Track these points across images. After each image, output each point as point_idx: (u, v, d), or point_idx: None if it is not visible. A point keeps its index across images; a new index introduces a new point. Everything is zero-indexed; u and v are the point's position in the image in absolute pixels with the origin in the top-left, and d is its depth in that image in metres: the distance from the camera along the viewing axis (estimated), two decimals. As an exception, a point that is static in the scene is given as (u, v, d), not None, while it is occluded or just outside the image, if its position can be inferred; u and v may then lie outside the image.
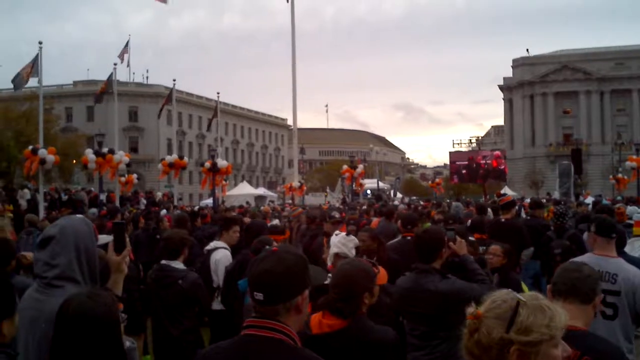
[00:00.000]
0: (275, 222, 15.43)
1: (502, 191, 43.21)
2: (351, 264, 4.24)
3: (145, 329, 8.69)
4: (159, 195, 40.95)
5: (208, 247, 8.62)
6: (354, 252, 5.71)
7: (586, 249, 9.34)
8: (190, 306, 6.62)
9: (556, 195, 36.88)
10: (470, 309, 2.29)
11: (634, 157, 43.10)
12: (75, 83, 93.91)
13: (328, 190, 69.14)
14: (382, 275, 4.44)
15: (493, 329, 2.21)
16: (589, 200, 26.59)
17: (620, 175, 46.04)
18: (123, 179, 35.74)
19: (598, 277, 3.58)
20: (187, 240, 6.90)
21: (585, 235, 10.49)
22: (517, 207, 15.53)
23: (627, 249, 8.63)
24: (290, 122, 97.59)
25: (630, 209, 13.17)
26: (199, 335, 6.73)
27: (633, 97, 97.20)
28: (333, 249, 5.79)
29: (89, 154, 28.93)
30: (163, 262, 6.65)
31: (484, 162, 58.83)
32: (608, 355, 3.22)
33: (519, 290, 4.40)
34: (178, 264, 6.63)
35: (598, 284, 3.55)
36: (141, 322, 8.37)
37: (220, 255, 8.22)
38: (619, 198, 24.10)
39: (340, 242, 5.77)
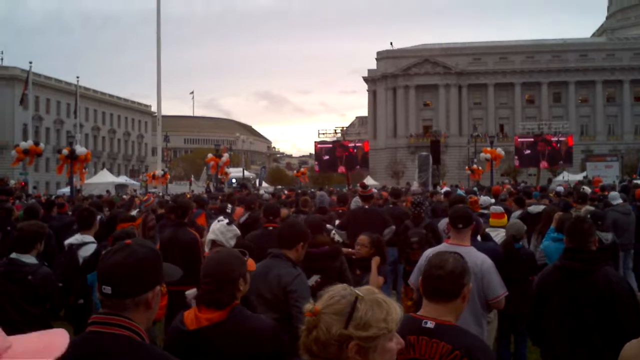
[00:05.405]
0: (135, 212, 15.04)
1: (365, 181, 44.16)
2: (222, 251, 4.12)
3: None
4: (12, 183, 38.99)
5: (72, 241, 8.12)
6: (232, 242, 5.57)
7: (441, 237, 9.71)
8: (40, 303, 6.26)
9: (415, 185, 37.99)
10: (308, 306, 2.26)
11: (488, 148, 45.27)
12: None
13: (193, 178, 68.28)
14: (250, 262, 4.37)
15: (332, 325, 2.20)
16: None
17: (475, 166, 48.05)
18: (-27, 166, 33.72)
19: (462, 270, 3.55)
20: (42, 234, 6.51)
21: (441, 224, 10.91)
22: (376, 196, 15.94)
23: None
24: (154, 108, 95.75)
25: (483, 198, 13.69)
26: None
27: (488, 91, 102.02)
28: (210, 236, 5.61)
29: None
30: (13, 255, 6.26)
31: (353, 145, 59.38)
32: (476, 349, 3.32)
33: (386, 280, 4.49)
34: (29, 258, 6.23)
35: (463, 276, 3.54)
36: None
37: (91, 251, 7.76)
38: (475, 189, 25.06)
39: (220, 229, 5.61)
